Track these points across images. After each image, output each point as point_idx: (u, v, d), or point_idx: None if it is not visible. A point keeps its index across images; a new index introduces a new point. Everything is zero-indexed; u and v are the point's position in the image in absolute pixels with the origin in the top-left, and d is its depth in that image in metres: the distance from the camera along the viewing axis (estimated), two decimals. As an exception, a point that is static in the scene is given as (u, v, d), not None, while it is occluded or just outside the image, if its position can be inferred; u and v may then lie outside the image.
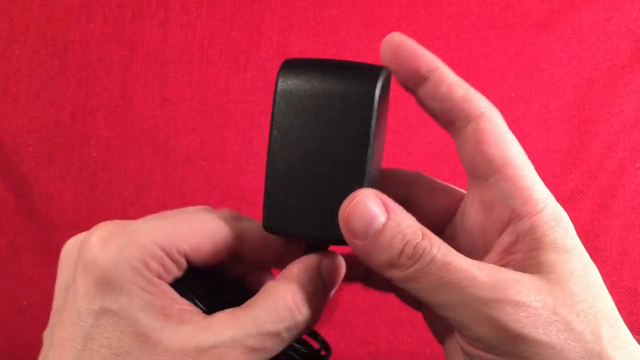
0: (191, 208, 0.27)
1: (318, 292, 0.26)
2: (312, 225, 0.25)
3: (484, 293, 0.22)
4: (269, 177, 0.26)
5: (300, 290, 0.25)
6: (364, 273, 0.32)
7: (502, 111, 0.27)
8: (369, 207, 0.23)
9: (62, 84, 0.55)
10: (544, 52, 0.56)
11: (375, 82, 0.25)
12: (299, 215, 0.26)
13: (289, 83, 0.27)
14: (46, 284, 0.51)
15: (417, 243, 0.23)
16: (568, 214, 0.25)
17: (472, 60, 0.55)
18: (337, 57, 0.55)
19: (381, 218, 0.23)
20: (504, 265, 0.24)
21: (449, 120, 0.26)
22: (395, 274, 0.23)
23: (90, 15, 0.56)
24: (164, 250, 0.24)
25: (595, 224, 0.52)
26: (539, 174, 0.27)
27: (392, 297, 0.45)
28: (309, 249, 0.27)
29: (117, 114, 0.55)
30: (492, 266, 0.23)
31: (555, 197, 0.26)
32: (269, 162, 0.26)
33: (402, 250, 0.23)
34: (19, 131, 0.54)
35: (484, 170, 0.25)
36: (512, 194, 0.24)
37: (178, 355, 0.22)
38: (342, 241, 0.25)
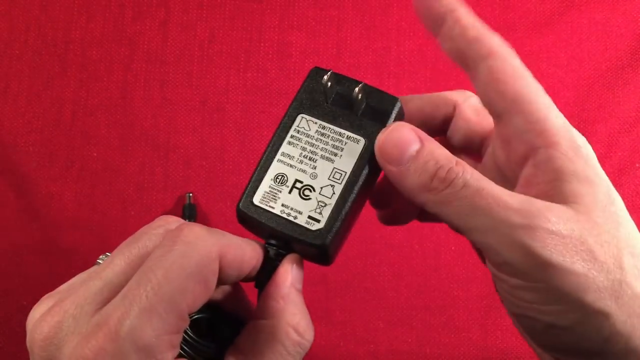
0: (165, 249, 0.22)
1: (304, 303, 0.26)
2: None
3: (515, 219, 0.22)
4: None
5: (298, 320, 0.25)
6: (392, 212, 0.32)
7: (501, 111, 0.28)
8: (404, 133, 0.25)
9: (62, 84, 0.55)
10: (544, 52, 0.56)
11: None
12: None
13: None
14: (47, 284, 0.51)
15: (450, 168, 0.24)
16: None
17: (472, 60, 0.55)
18: (337, 57, 0.56)
19: (415, 145, 0.24)
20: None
21: (464, 61, 0.26)
22: (427, 198, 0.24)
23: (91, 15, 0.56)
24: (169, 334, 0.21)
25: (595, 224, 0.52)
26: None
27: (392, 297, 0.45)
28: (270, 253, 0.27)
29: (118, 114, 0.55)
30: (523, 196, 0.24)
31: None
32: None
33: (435, 174, 0.24)
34: (20, 131, 0.54)
35: (499, 108, 0.26)
36: (526, 127, 0.25)
37: None
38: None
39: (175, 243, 0.22)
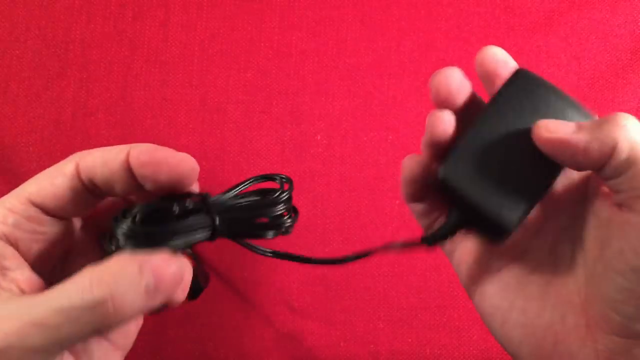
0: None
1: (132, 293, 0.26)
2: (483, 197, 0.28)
3: None
4: (470, 137, 0.28)
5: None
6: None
7: (501, 111, 0.28)
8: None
9: (62, 84, 0.55)
10: (544, 52, 0.56)
11: None
12: (475, 184, 0.28)
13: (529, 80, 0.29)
14: (47, 284, 0.51)
15: None
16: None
17: (472, 60, 0.55)
18: (337, 57, 0.55)
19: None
20: None
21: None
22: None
23: (91, 15, 0.56)
24: (10, 210, 0.28)
25: (595, 224, 0.52)
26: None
27: (392, 297, 0.46)
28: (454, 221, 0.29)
29: (118, 114, 0.55)
30: None
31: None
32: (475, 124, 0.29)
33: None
34: (20, 131, 0.54)
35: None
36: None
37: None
38: (492, 228, 0.28)
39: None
